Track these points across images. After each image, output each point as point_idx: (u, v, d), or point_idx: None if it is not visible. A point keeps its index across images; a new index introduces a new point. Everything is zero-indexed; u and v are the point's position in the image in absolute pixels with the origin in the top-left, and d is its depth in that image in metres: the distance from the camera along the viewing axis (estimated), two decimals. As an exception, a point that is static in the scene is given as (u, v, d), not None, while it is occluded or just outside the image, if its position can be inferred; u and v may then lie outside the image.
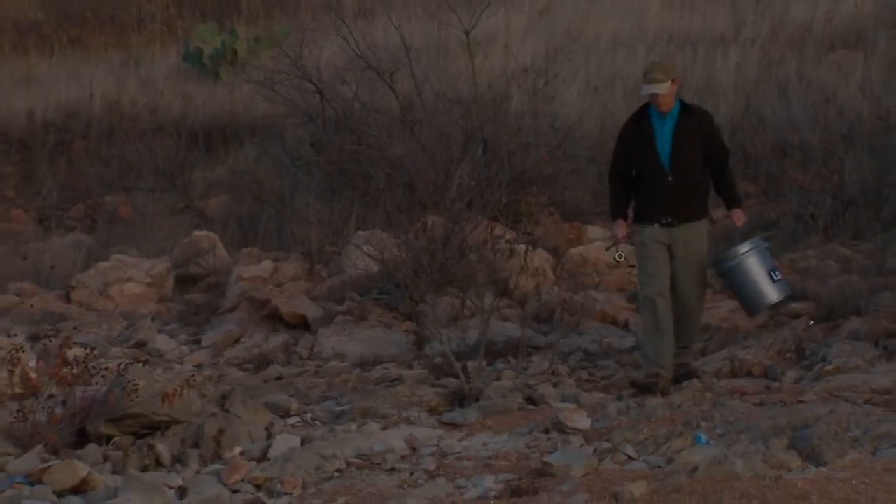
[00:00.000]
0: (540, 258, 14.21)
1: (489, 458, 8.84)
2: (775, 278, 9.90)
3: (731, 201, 9.93)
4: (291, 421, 10.14)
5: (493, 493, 8.03)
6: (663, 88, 9.51)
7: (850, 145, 15.66)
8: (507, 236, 13.73)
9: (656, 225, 9.77)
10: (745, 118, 17.59)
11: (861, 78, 18.09)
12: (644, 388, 9.74)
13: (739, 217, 9.92)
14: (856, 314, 11.79)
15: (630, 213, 10.13)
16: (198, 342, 13.29)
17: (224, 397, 10.14)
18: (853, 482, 7.68)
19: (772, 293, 9.95)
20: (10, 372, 10.71)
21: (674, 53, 19.54)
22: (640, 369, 10.23)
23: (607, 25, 21.30)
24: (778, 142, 16.79)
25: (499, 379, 10.96)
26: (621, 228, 10.04)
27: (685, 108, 9.75)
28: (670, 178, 9.63)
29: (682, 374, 10.04)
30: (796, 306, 12.47)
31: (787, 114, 17.30)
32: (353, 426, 9.80)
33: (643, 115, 9.79)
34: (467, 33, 17.99)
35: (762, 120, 17.40)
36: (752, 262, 9.81)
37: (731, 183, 9.98)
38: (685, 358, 10.13)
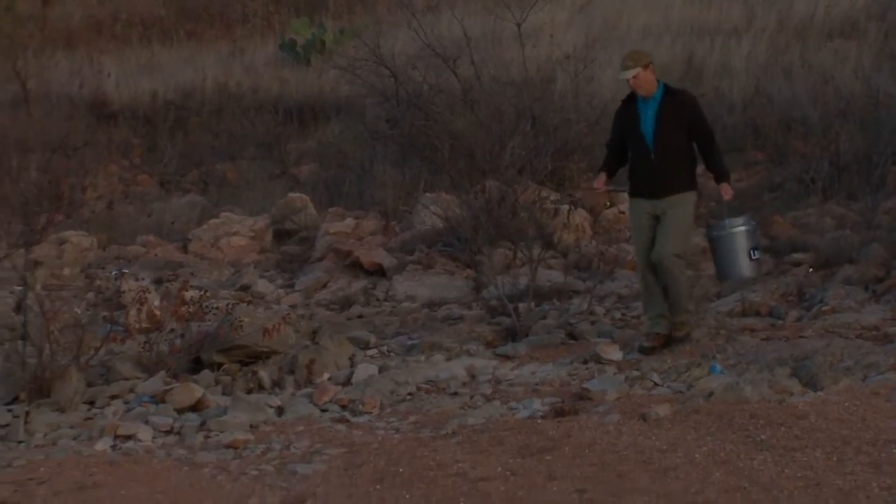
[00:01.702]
0: (580, 216, 14.17)
1: (536, 384, 8.82)
2: (753, 257, 9.37)
3: (718, 176, 9.33)
4: (370, 352, 10.14)
5: (540, 414, 8.01)
6: (630, 73, 9.05)
7: (844, 120, 15.58)
8: (553, 198, 13.66)
9: (642, 199, 9.34)
10: (755, 97, 17.51)
11: (855, 63, 17.97)
12: (647, 352, 9.29)
13: (727, 191, 9.35)
14: (849, 263, 11.81)
15: (603, 176, 9.67)
16: (292, 286, 13.34)
17: (314, 332, 10.16)
18: (846, 404, 7.71)
19: (745, 270, 9.45)
20: (138, 310, 10.83)
21: (694, 42, 19.39)
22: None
23: (638, 18, 21.14)
24: (783, 117, 16.71)
25: (545, 318, 10.93)
26: (599, 179, 9.63)
27: (668, 92, 9.24)
28: (652, 156, 9.15)
29: (675, 338, 9.40)
30: (798, 256, 12.48)
31: (792, 93, 17.19)
32: (422, 357, 9.81)
33: (631, 99, 9.33)
34: (519, 25, 17.96)
35: (770, 99, 17.33)
36: (739, 238, 9.30)
37: (717, 159, 9.34)
38: (676, 317, 9.35)
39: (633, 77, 9.05)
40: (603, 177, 9.59)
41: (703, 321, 10.55)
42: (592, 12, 21.85)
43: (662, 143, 9.10)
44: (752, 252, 9.27)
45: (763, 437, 7.19)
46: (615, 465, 6.83)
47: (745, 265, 9.32)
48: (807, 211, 14.17)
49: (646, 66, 9.08)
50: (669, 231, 9.15)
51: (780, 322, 10.53)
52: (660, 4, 21.72)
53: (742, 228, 9.27)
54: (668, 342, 9.30)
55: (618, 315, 11.12)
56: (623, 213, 14.63)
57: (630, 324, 10.74)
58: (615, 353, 9.43)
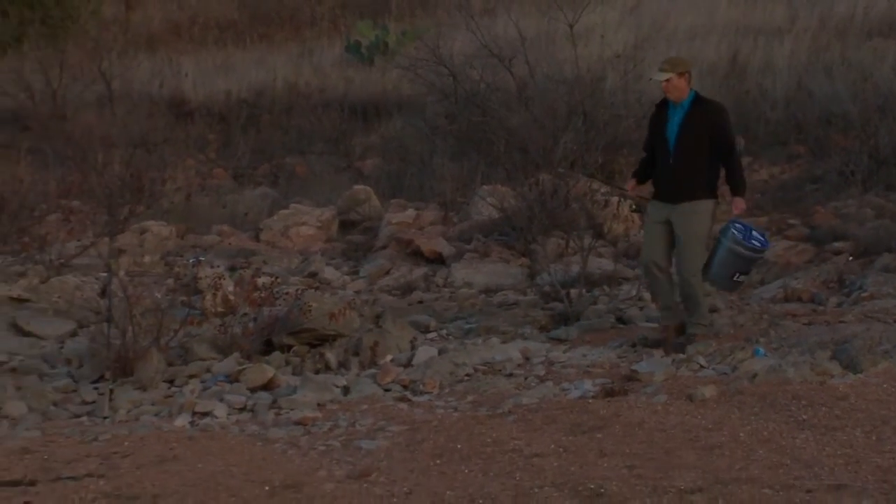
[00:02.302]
0: (629, 207, 14.11)
1: (587, 366, 8.79)
2: (736, 279, 8.91)
3: (733, 190, 8.98)
4: (430, 335, 10.15)
5: (591, 394, 7.99)
6: (663, 76, 8.81)
7: (883, 115, 15.48)
8: (603, 190, 13.66)
9: (659, 201, 9.09)
10: (797, 93, 17.39)
11: (893, 60, 17.81)
12: (656, 344, 9.05)
13: (738, 205, 8.92)
14: (887, 251, 11.74)
15: (633, 181, 9.44)
16: (357, 273, 13.36)
17: (378, 316, 10.17)
18: (884, 385, 7.66)
19: (721, 283, 9.01)
20: (214, 295, 10.89)
21: (739, 41, 19.25)
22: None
23: (685, 19, 21.01)
24: (824, 112, 16.59)
25: (595, 303, 10.90)
26: (630, 182, 9.41)
27: (697, 101, 8.96)
28: (671, 161, 8.89)
29: (677, 344, 9.02)
30: (838, 245, 12.38)
31: (832, 90, 17.04)
32: (479, 340, 9.80)
33: (665, 103, 9.09)
34: (571, 26, 17.90)
35: (811, 95, 17.19)
36: (733, 258, 8.76)
37: (734, 172, 8.95)
38: (691, 329, 9.10)
39: (666, 80, 8.85)
40: (633, 182, 9.40)
41: (748, 307, 10.51)
42: (641, 13, 21.75)
43: (683, 149, 8.85)
44: (736, 275, 8.86)
45: (804, 416, 7.15)
46: (663, 443, 6.81)
47: (724, 281, 8.94)
48: (847, 202, 14.06)
49: (681, 74, 8.86)
50: (687, 248, 8.89)
51: (821, 308, 10.45)
52: (706, 6, 21.59)
53: (742, 253, 8.76)
54: (679, 332, 9.11)
55: (665, 301, 11.07)
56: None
57: (676, 309, 10.69)
58: (660, 337, 9.42)
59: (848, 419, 7.07)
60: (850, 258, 11.97)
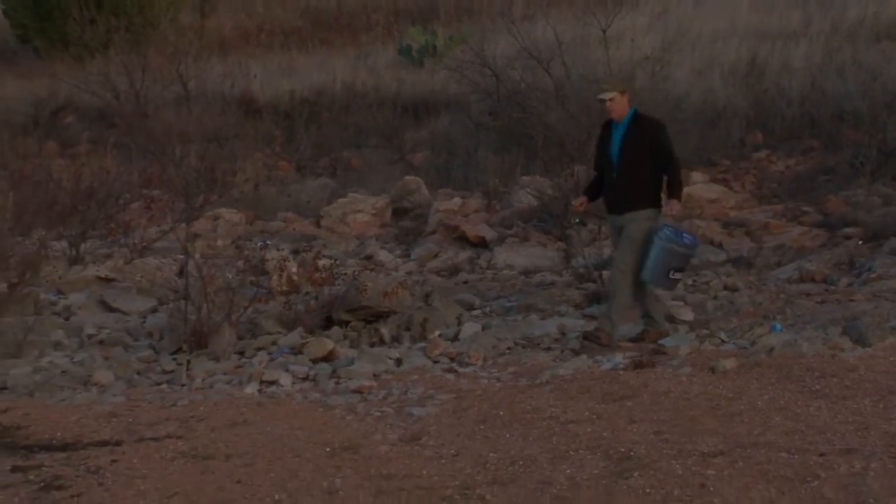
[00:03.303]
0: (572, 220, 14.06)
1: (618, 340, 8.75)
2: (671, 276, 8.47)
3: (670, 194, 8.46)
4: (475, 313, 10.15)
5: (621, 366, 7.97)
6: (607, 95, 8.43)
7: (891, 112, 15.36)
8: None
9: (609, 213, 8.79)
10: (811, 92, 17.18)
11: (900, 61, 17.57)
12: (636, 340, 8.70)
13: (673, 206, 8.45)
14: (894, 235, 11.65)
15: (584, 199, 9.02)
16: (408, 256, 13.38)
17: (427, 295, 10.17)
18: (891, 358, 7.64)
19: (658, 281, 8.52)
20: (279, 275, 10.94)
21: (758, 44, 19.07)
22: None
23: (708, 24, 20.81)
24: (836, 109, 16.41)
25: (625, 283, 10.85)
26: (581, 199, 8.99)
27: (636, 118, 8.56)
28: (615, 175, 8.53)
29: (588, 332, 8.61)
30: (849, 230, 12.28)
31: (844, 89, 16.84)
32: (519, 317, 9.80)
33: (609, 123, 8.70)
34: (604, 31, 17.83)
35: (825, 93, 16.99)
36: (669, 255, 8.35)
37: (673, 180, 8.44)
38: (600, 322, 8.66)
39: (610, 99, 8.47)
40: (584, 199, 9.01)
41: (766, 287, 10.44)
42: (668, 19, 21.57)
43: (625, 163, 8.46)
44: (672, 272, 8.45)
45: (818, 386, 7.10)
46: (687, 411, 6.78)
47: (660, 279, 8.48)
48: (856, 191, 13.93)
49: (622, 93, 8.49)
50: (623, 245, 8.54)
51: (833, 287, 10.37)
52: (727, 12, 21.38)
53: (677, 248, 8.38)
54: (659, 338, 8.63)
55: (689, 281, 10.98)
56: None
57: (700, 289, 10.62)
58: (687, 314, 9.38)
59: (857, 389, 7.02)
60: (860, 242, 11.86)
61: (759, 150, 16.42)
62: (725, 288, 10.49)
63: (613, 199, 8.62)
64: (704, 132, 16.57)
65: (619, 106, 8.48)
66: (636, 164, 8.41)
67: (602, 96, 8.54)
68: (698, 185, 15.02)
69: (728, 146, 16.61)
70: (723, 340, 8.53)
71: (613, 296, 8.59)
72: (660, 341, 8.56)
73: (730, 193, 14.94)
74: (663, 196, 8.58)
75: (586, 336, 8.50)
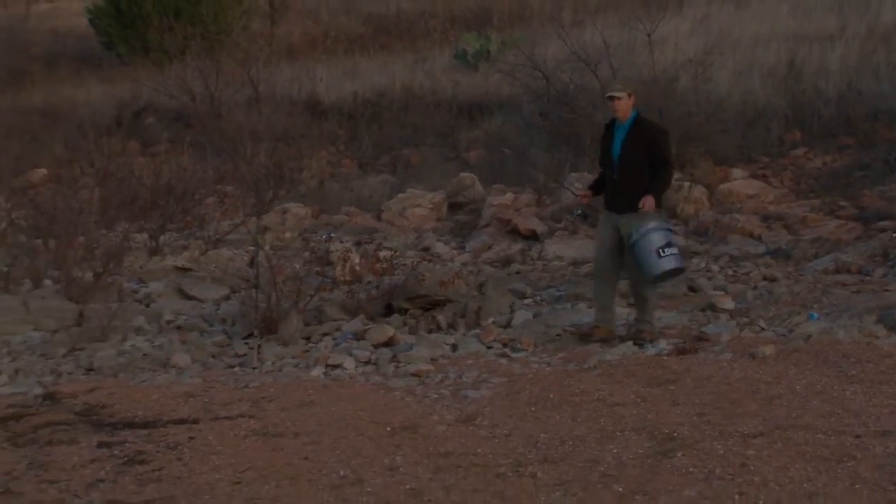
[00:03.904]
0: (699, 191, 13.98)
1: (662, 328, 8.69)
2: (662, 254, 8.07)
3: (649, 190, 8.10)
4: (526, 301, 10.13)
5: (665, 352, 7.91)
6: (617, 94, 8.20)
7: (924, 111, 15.11)
8: (676, 176, 13.50)
9: (608, 211, 8.44)
10: (847, 92, 16.98)
11: (933, 63, 17.34)
12: (583, 338, 8.43)
13: (646, 201, 8.01)
14: (927, 229, 11.43)
15: (589, 193, 8.72)
16: (463, 248, 13.37)
17: (481, 285, 10.17)
18: (925, 347, 7.49)
19: (657, 266, 8.10)
20: (343, 266, 10.98)
21: (796, 47, 18.86)
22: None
23: (748, 28, 20.62)
24: (871, 109, 16.23)
25: (669, 274, 10.77)
26: (586, 192, 8.75)
27: (637, 121, 8.33)
28: (616, 176, 8.28)
29: (631, 335, 8.37)
30: (883, 223, 12.11)
31: (879, 89, 16.64)
32: (568, 305, 9.76)
33: (611, 125, 8.47)
34: (649, 35, 17.71)
35: (860, 93, 16.80)
36: (648, 240, 8.03)
37: (657, 180, 8.14)
38: (639, 325, 8.40)
39: (619, 98, 8.23)
40: (588, 193, 8.76)
41: (803, 277, 10.32)
42: (710, 24, 21.38)
43: (625, 164, 8.24)
44: (661, 250, 8.05)
45: (853, 372, 7.02)
46: (728, 394, 6.72)
47: (655, 263, 8.07)
48: (891, 186, 13.77)
49: (630, 95, 8.29)
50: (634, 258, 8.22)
51: (868, 278, 10.24)
52: (767, 17, 21.15)
53: (652, 232, 8.06)
54: (605, 338, 8.29)
55: (730, 272, 10.92)
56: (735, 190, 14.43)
57: (740, 279, 10.53)
58: (728, 303, 9.28)
59: (892, 374, 6.92)
60: (894, 235, 11.69)
61: (796, 148, 16.26)
62: (764, 278, 10.39)
63: (613, 199, 8.37)
64: (745, 131, 16.44)
65: (624, 106, 8.28)
66: (636, 166, 8.21)
67: (612, 93, 8.33)
68: (738, 181, 14.92)
69: (767, 144, 16.46)
70: (762, 328, 8.44)
71: (643, 300, 8.38)
72: (596, 342, 8.24)
73: (769, 189, 14.80)
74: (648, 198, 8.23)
75: (634, 341, 8.25)
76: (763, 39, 19.83)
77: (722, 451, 5.75)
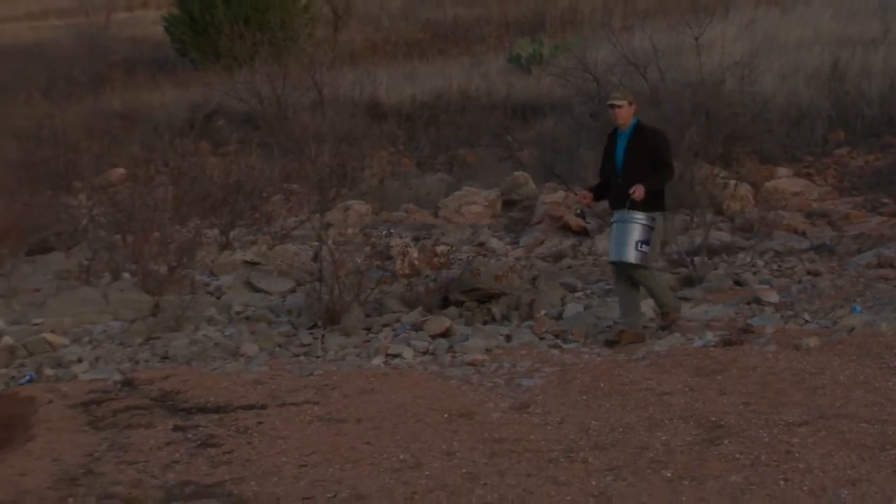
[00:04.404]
0: (744, 189, 13.84)
1: (709, 320, 8.63)
2: (638, 248, 8.04)
3: (645, 180, 7.98)
4: (577, 294, 10.09)
5: (712, 343, 7.85)
6: (618, 102, 8.14)
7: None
8: (722, 174, 13.41)
9: (615, 211, 8.31)
10: (890, 93, 16.73)
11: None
12: (610, 344, 8.14)
13: (637, 190, 7.91)
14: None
15: (590, 195, 8.59)
16: (516, 243, 13.34)
17: (534, 278, 10.16)
18: (965, 339, 7.35)
19: (629, 255, 7.99)
20: (402, 260, 11.01)
21: (840, 50, 18.55)
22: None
23: (793, 32, 20.30)
24: (912, 107, 15.94)
25: (716, 268, 10.67)
26: (586, 193, 8.61)
27: (638, 128, 8.18)
28: (620, 180, 8.17)
29: (662, 327, 8.36)
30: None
31: (921, 89, 16.34)
32: (617, 298, 9.67)
33: (615, 131, 8.38)
34: (696, 39, 17.50)
35: (902, 94, 16.51)
36: (630, 229, 7.99)
37: (654, 177, 7.98)
38: (663, 321, 8.37)
39: (619, 107, 8.18)
40: (589, 194, 8.63)
41: (846, 272, 10.17)
42: (756, 28, 21.09)
43: (628, 169, 8.14)
44: (638, 244, 8.00)
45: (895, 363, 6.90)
46: (773, 384, 6.64)
47: (630, 253, 8.03)
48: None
49: (630, 104, 8.23)
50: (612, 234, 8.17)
51: (910, 273, 10.06)
52: (811, 21, 20.84)
53: (636, 223, 8.00)
54: (633, 342, 8.10)
55: (775, 267, 10.78)
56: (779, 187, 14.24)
57: (785, 273, 10.40)
58: (773, 297, 9.19)
59: (934, 367, 6.80)
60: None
61: (840, 147, 16.02)
62: (808, 273, 10.25)
63: (619, 201, 8.21)
64: (789, 131, 16.23)
65: (625, 114, 8.19)
66: (639, 170, 8.09)
67: (613, 102, 8.28)
68: (783, 179, 14.75)
69: (811, 143, 16.23)
70: (806, 321, 8.34)
71: (656, 293, 8.28)
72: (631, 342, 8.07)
73: (813, 187, 14.61)
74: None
75: (662, 327, 8.21)
76: (807, 43, 19.53)
77: (767, 439, 5.68)
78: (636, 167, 8.11)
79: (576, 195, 8.78)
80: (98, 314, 9.94)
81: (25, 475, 5.82)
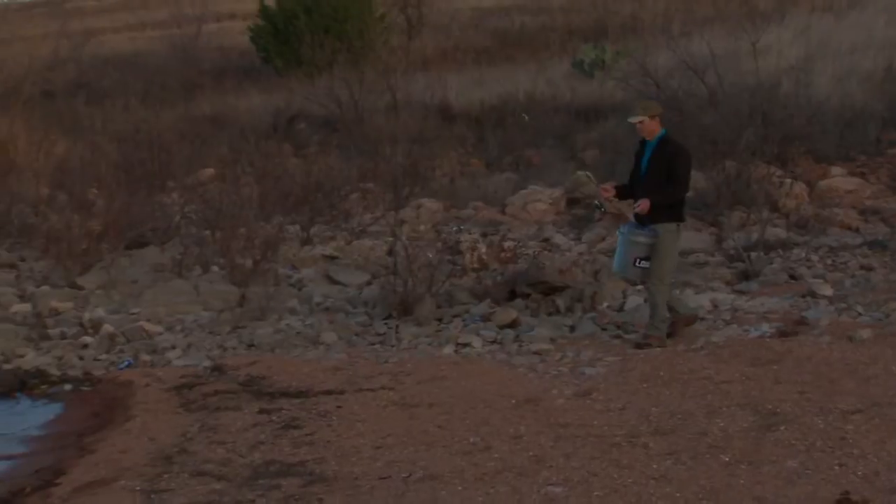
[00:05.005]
0: (799, 187, 13.59)
1: (765, 312, 8.51)
2: (637, 265, 7.70)
3: (647, 195, 7.77)
4: (638, 287, 9.93)
5: (768, 334, 7.75)
6: (636, 119, 7.91)
7: None
8: (778, 174, 13.21)
9: (634, 218, 7.98)
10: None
11: None
12: (639, 346, 7.80)
13: (643, 204, 7.71)
14: None
15: (613, 190, 8.24)
16: (579, 239, 13.24)
17: (596, 272, 10.07)
18: None
19: (629, 272, 7.82)
20: (471, 255, 11.00)
21: (893, 55, 18.13)
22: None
23: (847, 37, 19.90)
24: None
25: (771, 263, 10.51)
26: (611, 189, 8.21)
27: (663, 140, 7.91)
28: (642, 189, 7.90)
29: (637, 344, 7.87)
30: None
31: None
32: (677, 291, 9.55)
33: (644, 140, 8.07)
34: (753, 44, 17.26)
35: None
36: (631, 246, 7.75)
37: (663, 192, 7.74)
38: (648, 329, 7.95)
39: (640, 122, 7.96)
40: (613, 190, 8.28)
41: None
42: (811, 33, 20.70)
43: (650, 179, 7.90)
44: (637, 260, 7.74)
45: (948, 356, 6.75)
46: (827, 374, 6.53)
47: (627, 269, 7.81)
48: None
49: (652, 117, 7.95)
50: (654, 260, 7.81)
51: (959, 270, 9.81)
52: (865, 26, 20.40)
53: (639, 240, 7.75)
54: (658, 345, 7.79)
55: (829, 262, 10.58)
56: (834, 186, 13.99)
57: (839, 268, 10.21)
58: (827, 290, 9.03)
59: None
60: None
61: (893, 147, 15.67)
62: (862, 268, 10.05)
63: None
64: (843, 131, 15.90)
65: (647, 128, 7.97)
66: (659, 181, 7.85)
67: (631, 119, 8.10)
68: (837, 177, 14.48)
69: (864, 143, 15.89)
70: (859, 313, 8.18)
71: (653, 307, 7.95)
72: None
73: (866, 185, 14.32)
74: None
75: (638, 346, 7.85)
76: (861, 47, 19.12)
77: (822, 426, 5.59)
78: (655, 178, 7.89)
79: (599, 187, 8.62)
80: (189, 304, 10.08)
81: (125, 453, 5.94)
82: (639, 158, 8.16)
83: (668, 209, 7.83)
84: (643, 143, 8.10)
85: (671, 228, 7.82)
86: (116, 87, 24.63)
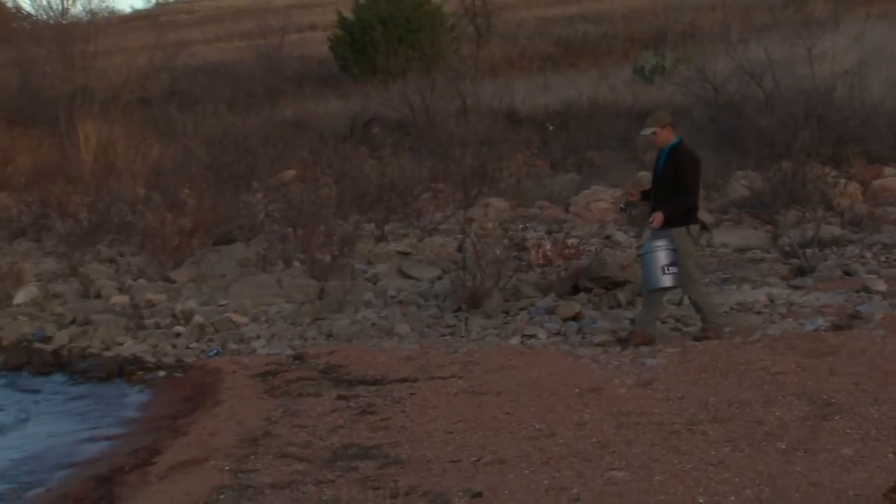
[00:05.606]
0: (853, 187, 13.32)
1: (820, 307, 8.34)
2: (666, 272, 7.48)
3: (660, 207, 7.65)
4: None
5: (823, 328, 7.60)
6: (648, 131, 7.81)
7: None
8: (833, 174, 12.94)
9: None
10: None
11: None
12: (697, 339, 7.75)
13: (656, 218, 7.59)
14: None
15: (639, 193, 8.27)
16: (639, 236, 13.08)
17: (656, 268, 9.95)
18: None
19: (662, 282, 7.54)
20: (537, 251, 10.96)
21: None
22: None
23: (900, 42, 19.44)
24: None
25: (826, 260, 10.29)
26: (634, 191, 8.20)
27: (675, 148, 7.76)
28: (654, 194, 7.81)
29: (696, 338, 7.72)
30: None
31: None
32: (734, 287, 9.47)
33: (661, 150, 7.93)
34: (809, 50, 16.93)
35: None
36: (655, 258, 7.48)
37: (674, 203, 7.61)
38: (702, 332, 7.74)
39: (652, 133, 7.83)
40: (639, 194, 8.25)
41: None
42: (865, 40, 20.21)
43: (660, 185, 7.78)
44: (665, 268, 7.52)
45: None
46: (881, 366, 6.39)
47: (660, 278, 7.55)
48: None
49: (663, 127, 7.81)
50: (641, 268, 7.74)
51: None
52: (918, 33, 19.91)
53: (659, 250, 7.54)
54: (644, 343, 7.66)
55: (882, 258, 10.33)
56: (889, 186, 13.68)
57: (892, 265, 9.96)
58: (881, 286, 8.84)
59: None
60: None
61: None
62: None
63: (650, 213, 7.86)
64: (898, 135, 15.53)
65: (660, 138, 7.84)
66: (668, 188, 7.72)
67: (644, 132, 7.98)
68: (890, 177, 14.15)
69: (918, 144, 15.49)
70: (913, 308, 7.98)
71: (701, 308, 7.77)
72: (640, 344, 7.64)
73: (919, 185, 13.95)
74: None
75: (696, 338, 7.70)
76: (914, 53, 18.65)
77: (876, 416, 5.47)
78: (666, 185, 7.76)
79: (628, 191, 8.49)
80: (273, 297, 10.21)
81: (214, 435, 6.05)
82: (654, 164, 8.09)
83: (680, 213, 7.70)
84: (660, 151, 7.99)
85: (682, 232, 7.68)
86: (206, 94, 24.99)
